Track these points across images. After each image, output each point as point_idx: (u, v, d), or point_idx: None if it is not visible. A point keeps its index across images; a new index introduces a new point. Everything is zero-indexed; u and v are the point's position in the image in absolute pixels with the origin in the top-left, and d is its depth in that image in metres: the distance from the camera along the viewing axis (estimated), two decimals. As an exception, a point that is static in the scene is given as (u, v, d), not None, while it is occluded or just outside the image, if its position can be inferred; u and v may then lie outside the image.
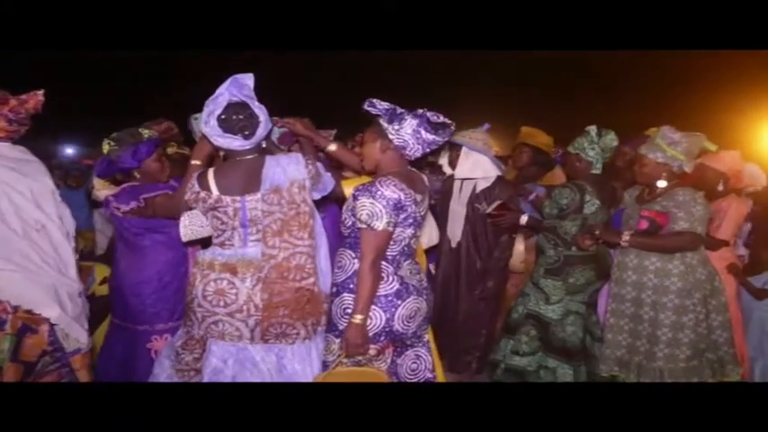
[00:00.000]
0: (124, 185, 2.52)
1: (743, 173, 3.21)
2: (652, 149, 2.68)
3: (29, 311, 2.02)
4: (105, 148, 2.51)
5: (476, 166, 3.18)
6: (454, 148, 3.22)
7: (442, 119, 2.09)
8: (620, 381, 2.79)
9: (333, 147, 2.53)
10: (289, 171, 2.11)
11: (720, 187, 3.15)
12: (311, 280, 2.11)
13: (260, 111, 2.10)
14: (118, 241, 2.63)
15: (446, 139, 2.15)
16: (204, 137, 2.18)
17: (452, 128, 2.14)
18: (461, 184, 3.30)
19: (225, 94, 2.06)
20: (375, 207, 1.98)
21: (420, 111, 2.09)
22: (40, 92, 2.18)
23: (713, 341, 2.72)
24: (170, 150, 3.04)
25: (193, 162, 2.25)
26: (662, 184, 2.68)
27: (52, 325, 2.06)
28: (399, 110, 2.11)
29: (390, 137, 2.08)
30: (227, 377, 2.08)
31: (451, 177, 3.40)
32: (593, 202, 2.78)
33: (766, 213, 3.28)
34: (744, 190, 3.25)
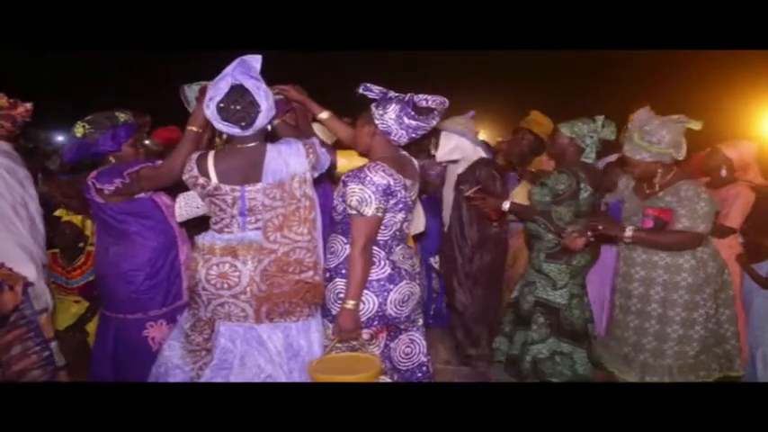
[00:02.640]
0: (101, 168, 2.43)
1: (751, 165, 3.17)
2: (637, 151, 2.52)
3: (10, 269, 2.15)
4: (79, 131, 2.43)
5: (455, 149, 3.22)
6: (436, 134, 3.23)
7: (428, 103, 2.08)
8: (619, 378, 2.73)
9: (324, 115, 2.46)
10: (290, 164, 2.08)
11: (723, 173, 3.10)
12: (310, 273, 2.11)
13: (263, 97, 2.02)
14: (101, 231, 2.53)
15: (432, 124, 2.13)
16: (201, 104, 2.14)
17: (436, 113, 2.10)
18: (448, 169, 3.33)
19: (228, 78, 2.01)
20: (364, 193, 1.99)
21: (407, 96, 2.08)
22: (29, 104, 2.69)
23: (721, 335, 2.67)
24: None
25: (189, 128, 2.18)
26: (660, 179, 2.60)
27: (26, 285, 2.17)
28: (390, 95, 2.11)
29: (376, 122, 2.09)
30: (235, 356, 2.09)
31: (446, 165, 3.42)
32: (587, 189, 2.73)
33: (766, 200, 3.23)
34: (753, 180, 3.18)
